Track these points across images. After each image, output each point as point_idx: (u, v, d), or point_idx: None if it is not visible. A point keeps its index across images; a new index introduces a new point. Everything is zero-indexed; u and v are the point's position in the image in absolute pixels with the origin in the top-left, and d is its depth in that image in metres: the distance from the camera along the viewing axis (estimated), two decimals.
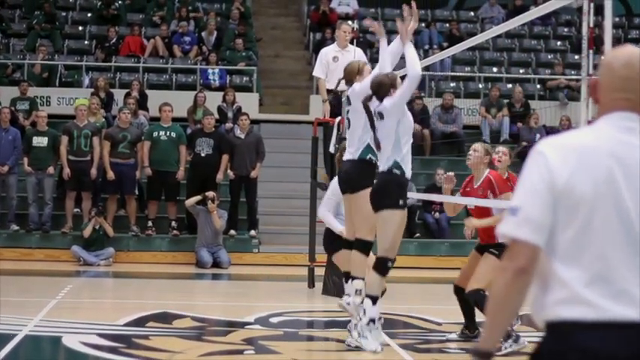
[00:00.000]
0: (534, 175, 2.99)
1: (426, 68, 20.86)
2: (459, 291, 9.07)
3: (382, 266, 8.34)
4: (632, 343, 2.87)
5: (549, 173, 2.96)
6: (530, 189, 2.99)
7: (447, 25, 23.86)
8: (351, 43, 13.69)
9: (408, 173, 8.47)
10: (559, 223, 2.97)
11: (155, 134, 17.16)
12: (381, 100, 8.47)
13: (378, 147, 8.48)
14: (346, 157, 9.05)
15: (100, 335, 9.61)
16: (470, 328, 9.16)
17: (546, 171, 2.97)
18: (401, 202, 8.37)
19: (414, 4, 9.10)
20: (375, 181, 8.52)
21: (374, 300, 8.28)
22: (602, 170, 2.96)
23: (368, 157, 8.74)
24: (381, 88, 8.50)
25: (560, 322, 2.95)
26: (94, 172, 16.88)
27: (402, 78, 8.81)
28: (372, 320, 8.27)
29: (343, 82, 9.46)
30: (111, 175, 16.78)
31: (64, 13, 23.53)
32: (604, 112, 3.12)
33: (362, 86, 8.80)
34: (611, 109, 3.09)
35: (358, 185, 8.68)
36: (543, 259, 2.99)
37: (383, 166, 8.40)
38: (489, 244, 8.77)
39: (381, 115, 8.42)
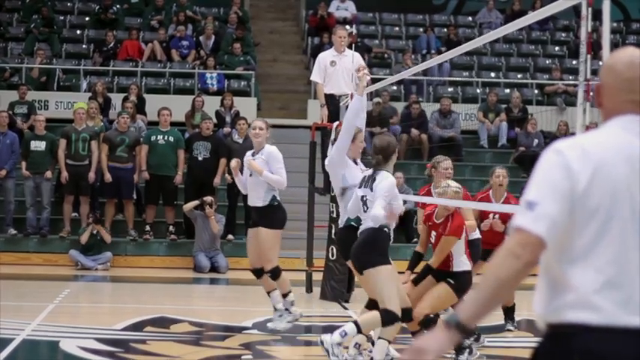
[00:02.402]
0: (555, 174, 2.97)
1: (424, 73, 20.95)
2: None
3: (388, 317, 7.96)
4: (635, 349, 2.88)
5: (570, 177, 2.96)
6: (550, 186, 2.96)
7: (445, 30, 23.88)
8: (350, 47, 13.71)
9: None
10: (575, 228, 2.96)
11: (153, 138, 17.15)
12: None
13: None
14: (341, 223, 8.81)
15: (98, 340, 9.62)
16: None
17: (567, 173, 2.96)
18: (389, 258, 8.10)
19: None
20: (361, 236, 8.11)
21: (358, 329, 8.07)
22: (619, 177, 2.96)
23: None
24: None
25: (564, 325, 2.96)
26: (92, 175, 16.85)
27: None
28: (340, 344, 7.99)
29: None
30: (108, 177, 16.75)
31: (62, 17, 23.53)
32: (611, 116, 3.11)
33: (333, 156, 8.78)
34: (619, 112, 3.09)
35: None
36: (555, 262, 2.99)
37: (371, 222, 7.98)
38: (445, 272, 8.76)
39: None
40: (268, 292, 10.25)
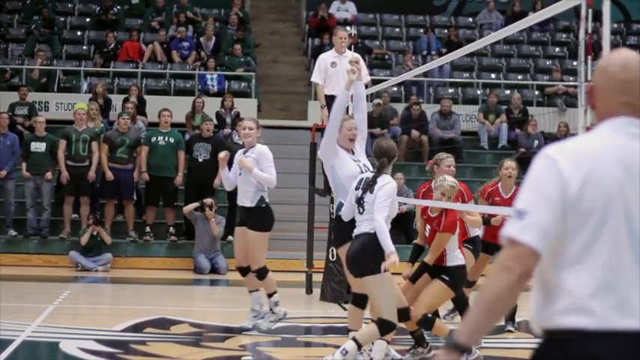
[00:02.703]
0: (546, 180, 2.93)
1: (425, 74, 20.92)
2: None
3: (385, 327, 7.99)
4: (633, 352, 2.86)
5: (561, 182, 2.91)
6: (541, 194, 2.92)
7: (446, 31, 23.87)
8: (350, 48, 13.69)
9: None
10: (568, 233, 2.92)
11: (153, 139, 17.15)
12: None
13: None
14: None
15: (98, 341, 9.61)
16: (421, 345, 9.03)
17: (558, 179, 2.92)
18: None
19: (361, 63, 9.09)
20: (357, 241, 8.02)
21: (358, 345, 8.07)
22: (612, 179, 2.93)
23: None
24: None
25: (560, 330, 2.93)
26: (92, 175, 16.83)
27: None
28: (346, 351, 8.00)
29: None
30: (110, 175, 16.73)
31: (62, 18, 23.54)
32: (604, 118, 3.08)
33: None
34: (612, 115, 3.05)
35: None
36: (548, 267, 2.96)
37: (368, 226, 7.93)
38: (440, 268, 8.75)
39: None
40: (250, 291, 10.30)
